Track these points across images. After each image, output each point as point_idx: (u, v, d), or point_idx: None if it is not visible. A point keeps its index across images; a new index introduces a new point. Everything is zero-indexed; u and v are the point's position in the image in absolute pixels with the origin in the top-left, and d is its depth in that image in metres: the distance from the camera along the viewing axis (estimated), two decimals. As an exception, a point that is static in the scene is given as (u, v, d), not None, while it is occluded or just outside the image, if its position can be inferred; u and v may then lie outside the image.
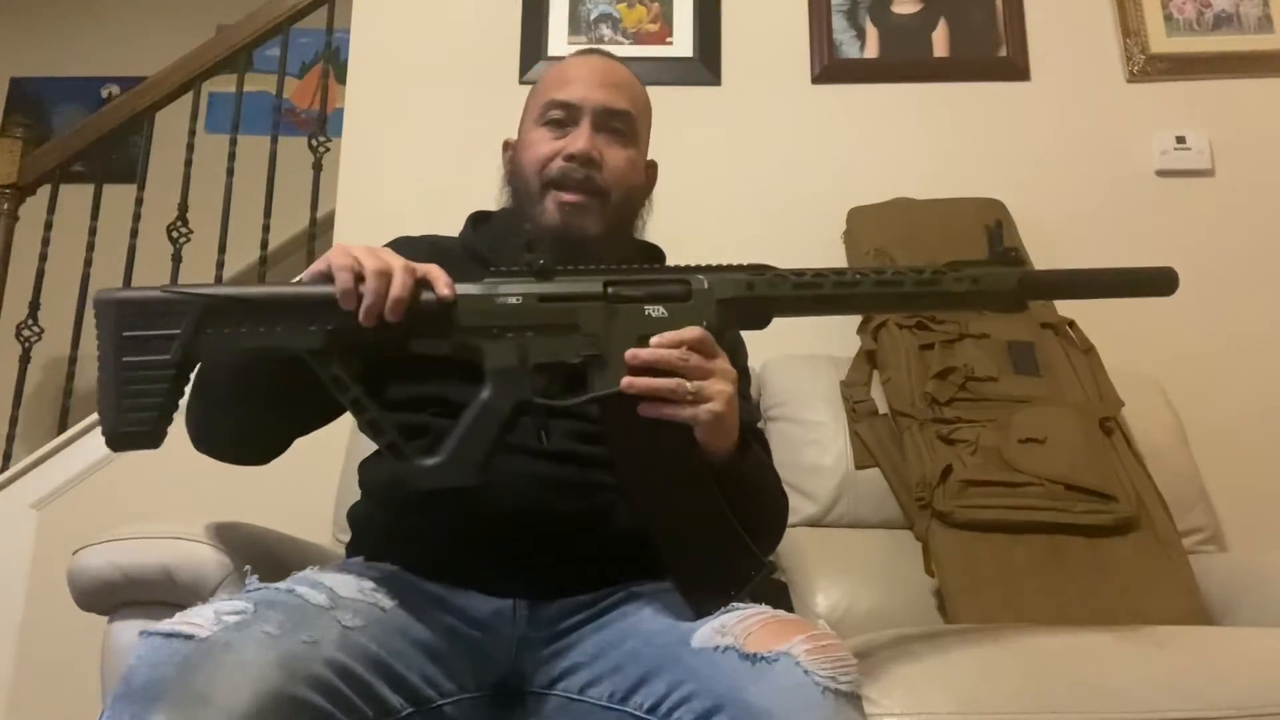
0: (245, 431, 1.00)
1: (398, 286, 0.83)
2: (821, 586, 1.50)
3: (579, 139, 1.07)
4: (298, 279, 0.91)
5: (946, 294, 0.94)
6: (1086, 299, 1.03)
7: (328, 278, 0.84)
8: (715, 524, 0.88)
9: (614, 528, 0.98)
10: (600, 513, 0.98)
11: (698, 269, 0.92)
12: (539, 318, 0.87)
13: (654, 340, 0.86)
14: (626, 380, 0.85)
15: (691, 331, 0.87)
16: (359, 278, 0.83)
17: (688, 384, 0.85)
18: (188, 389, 0.85)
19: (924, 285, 0.93)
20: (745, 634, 0.78)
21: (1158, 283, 0.99)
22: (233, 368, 0.92)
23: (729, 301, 0.90)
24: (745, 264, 0.93)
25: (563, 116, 1.10)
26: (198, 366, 0.86)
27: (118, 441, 0.81)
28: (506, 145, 1.20)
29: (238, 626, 0.74)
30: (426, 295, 0.86)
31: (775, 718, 0.71)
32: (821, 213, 1.95)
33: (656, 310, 0.89)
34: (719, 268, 0.92)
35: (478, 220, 1.20)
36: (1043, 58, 2.13)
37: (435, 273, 0.86)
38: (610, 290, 0.89)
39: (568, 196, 1.06)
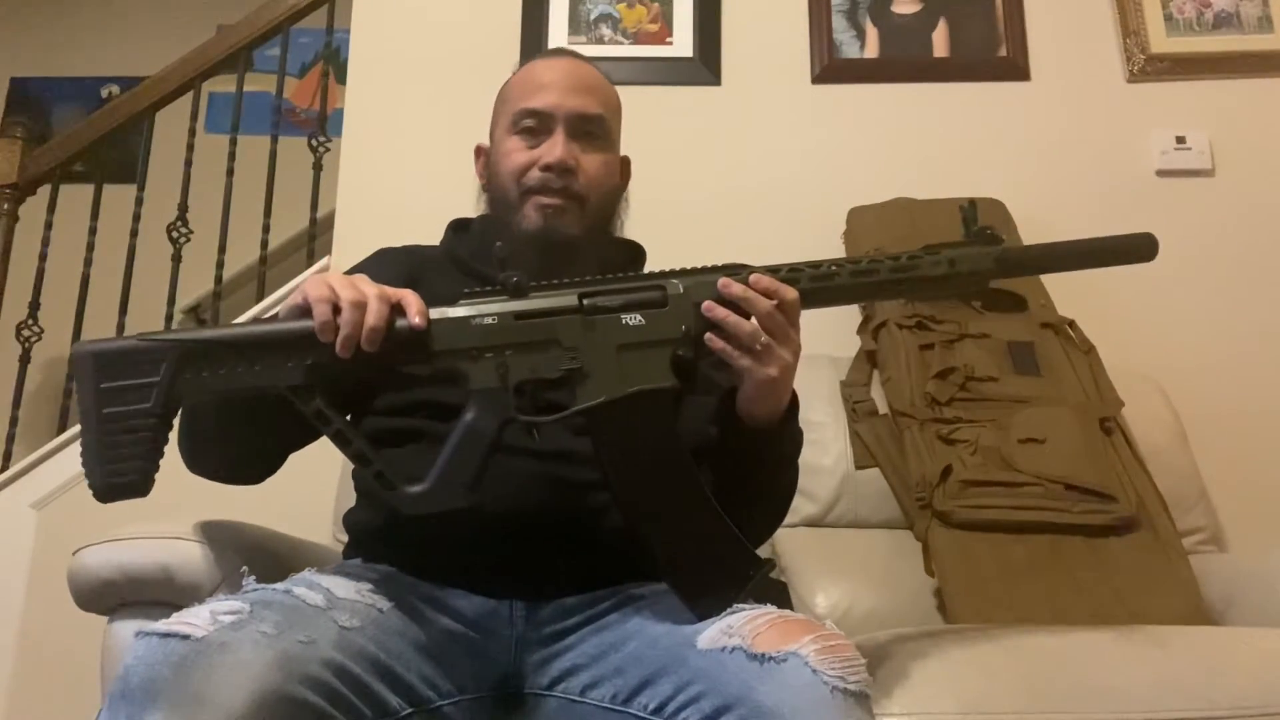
0: (236, 459, 1.01)
1: (373, 315, 0.82)
2: (821, 586, 1.50)
3: (555, 148, 1.07)
4: (275, 312, 0.90)
5: (924, 278, 0.93)
6: (1066, 271, 1.02)
7: (305, 311, 0.83)
8: (711, 527, 0.88)
9: (610, 526, 0.98)
10: (596, 511, 0.98)
11: (672, 273, 0.91)
12: (517, 335, 0.87)
13: (753, 279, 0.89)
14: (708, 304, 0.88)
15: (790, 291, 0.89)
16: (335, 309, 0.82)
17: (762, 337, 0.87)
18: (172, 434, 0.84)
19: (901, 271, 0.93)
20: (753, 634, 0.78)
21: (1137, 249, 0.98)
22: (216, 403, 0.91)
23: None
24: (720, 264, 0.92)
25: (535, 125, 1.09)
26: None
27: (106, 494, 0.80)
28: (479, 151, 1.20)
29: (234, 626, 0.74)
30: (402, 322, 0.85)
31: (784, 717, 0.71)
32: (821, 213, 1.95)
33: (634, 319, 0.88)
34: (694, 271, 0.91)
35: (458, 227, 1.20)
36: (1043, 58, 2.13)
37: (409, 299, 0.86)
38: (586, 302, 0.88)
39: (547, 200, 1.07)
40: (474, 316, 0.87)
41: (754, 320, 0.88)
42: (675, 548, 0.87)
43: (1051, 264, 1.02)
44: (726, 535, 0.88)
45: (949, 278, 0.93)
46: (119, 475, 0.79)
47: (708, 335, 0.88)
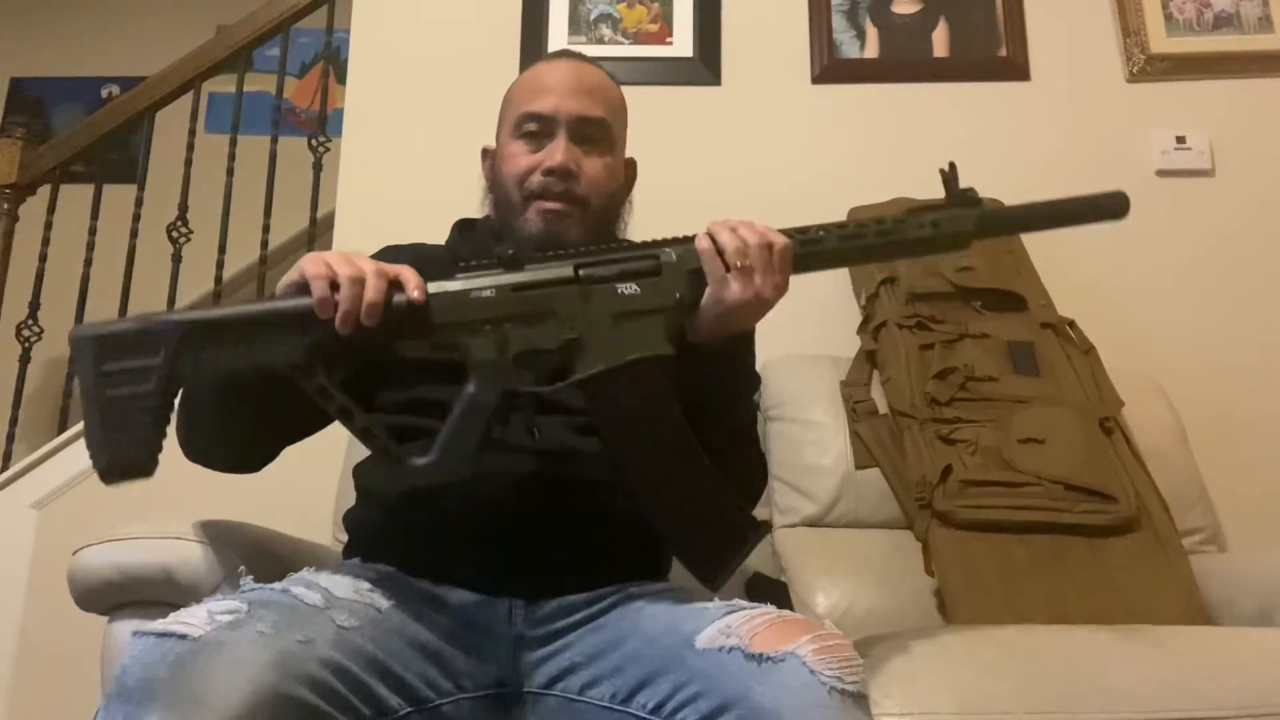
0: (234, 445, 1.01)
1: (371, 290, 0.83)
2: (821, 586, 1.50)
3: (556, 152, 1.07)
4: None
5: (909, 240, 0.96)
6: (1044, 230, 1.05)
7: (302, 288, 0.84)
8: (709, 491, 0.89)
9: (609, 524, 0.98)
10: (595, 509, 0.99)
11: (664, 242, 0.93)
12: (515, 307, 0.88)
13: (749, 222, 0.93)
14: (711, 222, 0.92)
15: (780, 238, 0.92)
16: (333, 285, 0.83)
17: (747, 257, 0.89)
18: (173, 414, 0.84)
19: (886, 235, 0.96)
20: (751, 634, 0.78)
21: (1110, 207, 1.02)
22: (216, 385, 0.91)
23: (699, 271, 0.91)
24: None
25: (538, 129, 1.09)
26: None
27: (111, 476, 0.80)
28: (485, 153, 1.20)
29: (231, 626, 0.74)
30: (400, 297, 0.85)
31: (782, 717, 0.71)
32: (821, 213, 1.89)
33: (629, 288, 0.90)
34: (686, 239, 0.93)
35: (463, 227, 1.21)
36: (1043, 58, 2.12)
37: (406, 274, 0.86)
38: (582, 273, 0.90)
39: (549, 205, 1.07)
40: (472, 290, 0.88)
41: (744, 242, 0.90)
42: (675, 514, 0.89)
43: (1031, 224, 1.04)
44: (726, 500, 0.90)
45: (933, 239, 0.97)
46: (123, 458, 0.80)
47: (698, 237, 0.92)
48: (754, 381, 1.06)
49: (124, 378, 0.80)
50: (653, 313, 0.90)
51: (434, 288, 0.87)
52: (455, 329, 0.87)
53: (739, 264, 0.90)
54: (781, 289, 0.93)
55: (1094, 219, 1.02)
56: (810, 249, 0.95)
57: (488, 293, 0.88)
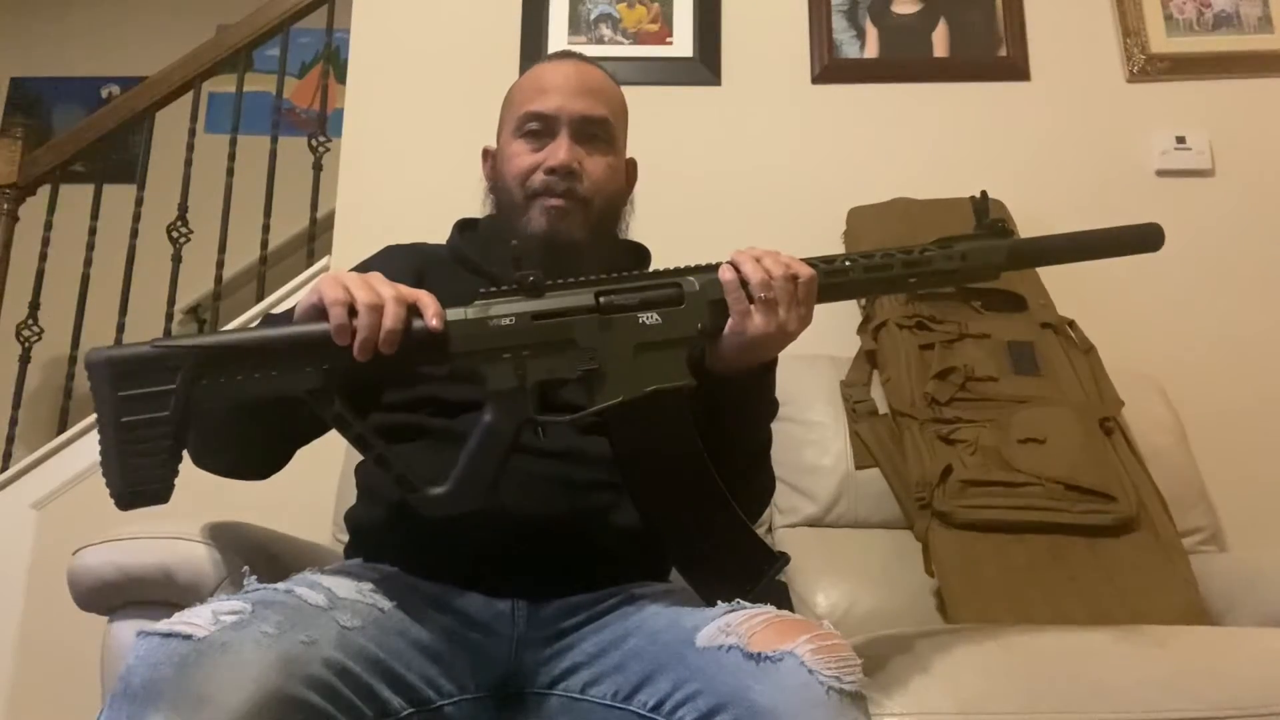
0: (243, 457, 1.01)
1: (390, 318, 0.81)
2: (821, 586, 1.50)
3: (559, 151, 1.07)
4: (291, 307, 0.90)
5: (937, 272, 0.94)
6: (1076, 262, 1.02)
7: (320, 312, 0.83)
8: (727, 525, 0.88)
9: (613, 526, 0.98)
10: (600, 511, 0.99)
11: (688, 270, 0.91)
12: (534, 336, 0.86)
13: (775, 252, 0.90)
14: (736, 251, 0.90)
15: (806, 269, 0.90)
16: (351, 311, 0.82)
17: (771, 290, 0.88)
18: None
19: (913, 266, 0.94)
20: (750, 633, 0.78)
21: (1145, 239, 0.99)
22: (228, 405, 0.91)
23: (722, 301, 0.90)
24: None
25: (540, 128, 1.09)
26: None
27: (127, 502, 0.79)
28: (486, 153, 1.20)
29: (236, 626, 0.74)
30: (419, 324, 0.84)
31: (780, 717, 0.72)
32: (821, 213, 1.95)
33: (650, 317, 0.88)
34: (709, 268, 0.91)
35: (464, 227, 1.20)
36: (1043, 58, 2.13)
37: (425, 300, 0.85)
38: (603, 301, 0.88)
39: (552, 201, 1.07)
40: (491, 317, 0.86)
41: (768, 274, 0.89)
42: (693, 545, 0.88)
43: (1061, 256, 1.02)
44: (743, 531, 0.89)
45: (962, 271, 0.95)
46: (139, 484, 0.79)
47: (721, 267, 0.90)
48: (773, 409, 1.03)
49: (140, 403, 0.79)
50: (674, 343, 0.88)
51: (453, 315, 0.85)
52: (473, 357, 0.85)
53: (763, 296, 0.88)
54: (805, 321, 0.91)
55: (1127, 250, 1.00)
56: (835, 280, 0.93)
57: (507, 321, 0.86)
